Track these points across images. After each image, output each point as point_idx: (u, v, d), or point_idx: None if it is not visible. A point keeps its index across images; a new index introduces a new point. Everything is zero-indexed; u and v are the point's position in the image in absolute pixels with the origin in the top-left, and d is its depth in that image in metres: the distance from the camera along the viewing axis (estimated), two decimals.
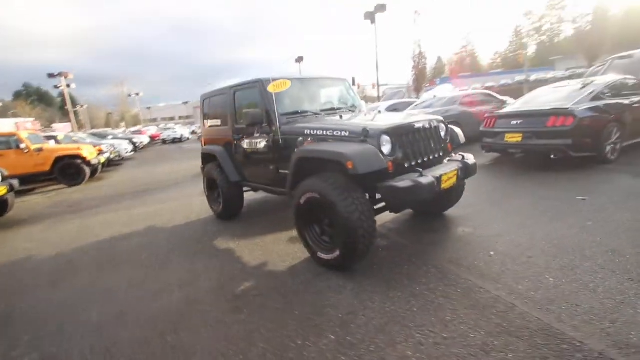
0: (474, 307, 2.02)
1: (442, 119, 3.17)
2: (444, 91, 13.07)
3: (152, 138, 27.68)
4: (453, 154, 3.19)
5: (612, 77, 5.58)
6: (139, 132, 27.22)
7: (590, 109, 4.76)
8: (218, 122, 4.42)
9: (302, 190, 2.71)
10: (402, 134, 2.69)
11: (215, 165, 4.38)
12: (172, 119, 70.54)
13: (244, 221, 4.39)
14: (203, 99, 4.73)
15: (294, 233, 3.25)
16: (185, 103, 70.73)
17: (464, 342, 1.75)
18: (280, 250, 3.29)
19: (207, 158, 4.65)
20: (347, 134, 2.70)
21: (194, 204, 5.62)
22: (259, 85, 3.49)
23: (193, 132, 32.38)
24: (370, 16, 16.90)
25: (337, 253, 2.55)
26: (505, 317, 1.90)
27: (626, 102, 5.10)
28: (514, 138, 5.27)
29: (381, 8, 16.31)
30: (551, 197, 3.82)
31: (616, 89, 5.22)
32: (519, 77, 26.57)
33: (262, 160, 3.64)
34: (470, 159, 3.10)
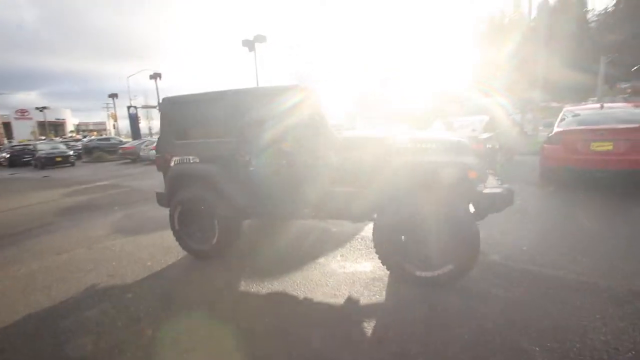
0: None
1: None
2: None
3: None
4: None
5: None
6: None
7: None
8: (207, 134, 3.57)
9: (407, 207, 2.64)
10: None
11: (204, 189, 3.48)
12: None
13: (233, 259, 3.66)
14: (170, 104, 3.71)
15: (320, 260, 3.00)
16: None
17: None
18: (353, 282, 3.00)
19: (180, 182, 3.62)
20: (440, 146, 2.83)
21: (115, 245, 4.24)
22: (305, 91, 3.16)
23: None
24: (249, 44, 17.15)
25: (450, 267, 2.59)
26: None
27: None
28: None
29: (260, 38, 16.90)
30: None
31: None
32: None
33: (297, 179, 3.19)
34: None
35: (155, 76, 23.08)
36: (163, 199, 3.86)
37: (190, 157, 3.59)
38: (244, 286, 3.02)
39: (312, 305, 2.62)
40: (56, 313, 2.71)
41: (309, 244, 3.97)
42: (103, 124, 56.66)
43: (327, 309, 2.56)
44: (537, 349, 1.96)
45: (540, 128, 12.42)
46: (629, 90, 31.38)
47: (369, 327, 2.29)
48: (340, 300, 2.64)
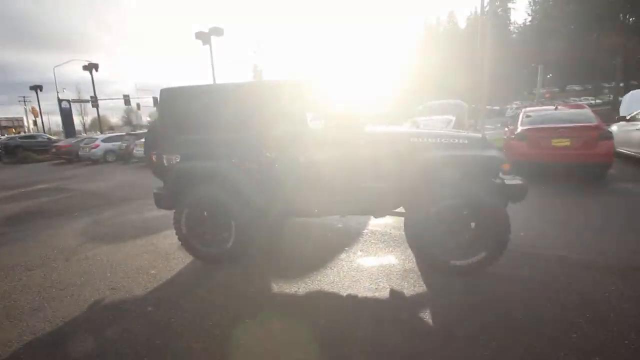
0: None
1: None
2: None
3: None
4: None
5: None
6: None
7: None
8: (220, 129, 3.31)
9: (445, 202, 2.74)
10: None
11: (219, 189, 3.23)
12: None
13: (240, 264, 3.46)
14: (173, 96, 3.37)
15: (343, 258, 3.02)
16: None
17: None
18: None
19: (189, 181, 3.32)
20: (466, 141, 2.97)
21: (98, 255, 3.78)
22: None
23: None
24: (203, 37, 16.12)
25: (483, 254, 2.75)
26: None
27: None
28: None
29: (217, 31, 15.97)
30: None
31: None
32: None
33: (320, 174, 3.12)
34: None
35: (91, 67, 20.61)
36: (164, 201, 3.49)
37: (200, 154, 3.30)
38: (276, 289, 2.87)
39: (361, 301, 2.59)
40: (66, 338, 2.30)
41: (320, 242, 3.91)
42: (19, 119, 49.15)
43: (377, 303, 2.55)
44: (581, 320, 2.18)
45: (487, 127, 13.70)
46: (547, 95, 36.15)
47: (426, 316, 2.34)
48: (385, 294, 2.65)
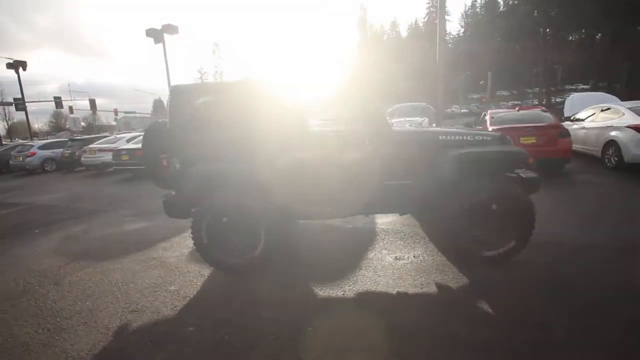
0: None
1: None
2: None
3: None
4: None
5: None
6: None
7: None
8: (242, 129, 3.10)
9: (474, 197, 2.86)
10: None
11: (246, 192, 3.02)
12: None
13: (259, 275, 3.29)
14: (187, 93, 3.12)
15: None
16: None
17: None
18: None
19: (209, 185, 3.06)
20: (488, 138, 3.15)
21: (93, 276, 3.37)
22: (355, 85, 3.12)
23: None
24: (156, 35, 14.94)
25: (512, 244, 2.94)
26: None
27: None
28: None
29: (171, 29, 14.87)
30: None
31: None
32: None
33: (350, 174, 3.09)
34: None
35: (17, 65, 17.97)
36: (177, 209, 3.17)
37: (222, 155, 3.06)
38: (320, 293, 2.74)
39: (414, 297, 2.60)
40: None
41: (337, 243, 3.86)
42: None
43: (430, 298, 2.58)
44: (610, 291, 2.43)
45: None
46: (483, 100, 39.92)
47: (483, 305, 2.42)
48: (432, 288, 2.69)
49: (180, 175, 3.13)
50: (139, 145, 10.03)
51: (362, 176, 3.11)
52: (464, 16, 57.52)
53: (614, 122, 6.60)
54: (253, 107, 3.02)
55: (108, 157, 10.55)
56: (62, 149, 12.60)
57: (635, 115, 6.19)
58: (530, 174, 3.17)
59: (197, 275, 3.16)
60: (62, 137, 16.99)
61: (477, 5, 56.01)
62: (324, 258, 3.49)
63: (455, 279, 2.82)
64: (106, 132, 37.39)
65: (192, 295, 2.81)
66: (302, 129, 3.10)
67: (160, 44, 14.72)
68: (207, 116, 3.11)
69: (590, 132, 7.33)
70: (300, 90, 3.27)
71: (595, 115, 7.45)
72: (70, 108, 31.52)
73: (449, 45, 61.39)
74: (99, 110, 32.81)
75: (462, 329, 2.16)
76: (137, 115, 42.45)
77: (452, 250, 3.08)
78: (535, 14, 33.76)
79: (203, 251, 3.11)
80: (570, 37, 39.55)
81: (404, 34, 65.28)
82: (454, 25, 70.88)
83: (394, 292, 2.69)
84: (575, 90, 41.25)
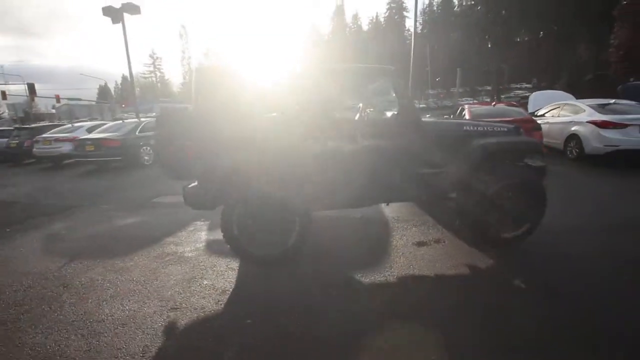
0: None
1: None
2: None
3: None
4: None
5: None
6: None
7: None
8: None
9: (499, 183, 3.07)
10: None
11: (282, 181, 2.95)
12: None
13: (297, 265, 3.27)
14: (219, 76, 2.97)
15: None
16: None
17: None
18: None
19: (241, 174, 2.93)
20: (505, 129, 3.37)
21: (105, 276, 3.16)
22: (392, 73, 3.16)
23: None
24: (113, 13, 13.55)
25: (527, 226, 3.21)
26: None
27: None
28: None
29: (132, 9, 13.53)
30: None
31: None
32: None
33: (389, 163, 3.17)
34: None
35: None
36: (203, 199, 3.01)
37: (253, 143, 2.94)
38: (365, 280, 2.79)
39: (453, 280, 2.74)
40: None
41: (354, 233, 3.90)
42: None
43: (468, 280, 2.75)
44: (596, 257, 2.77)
45: None
46: (441, 95, 42.05)
47: (522, 283, 2.63)
48: (465, 270, 2.86)
49: (207, 163, 2.97)
50: (107, 135, 9.25)
51: (397, 165, 3.18)
52: (422, 14, 59.66)
53: (576, 117, 7.36)
54: (292, 92, 2.94)
55: (67, 147, 9.55)
56: (7, 139, 11.13)
57: (594, 112, 6.96)
58: (539, 163, 3.47)
59: (226, 269, 3.04)
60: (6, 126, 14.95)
61: (434, 4, 58.40)
62: (347, 247, 3.52)
63: (483, 260, 3.02)
64: (45, 120, 33.63)
65: (230, 289, 2.70)
66: (337, 117, 3.09)
67: (122, 24, 13.40)
68: (239, 101, 2.97)
69: (553, 126, 8.09)
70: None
71: (557, 111, 8.24)
72: (3, 93, 27.78)
73: (407, 41, 63.45)
74: (38, 97, 29.28)
75: (507, 300, 2.35)
76: (84, 102, 38.54)
77: (475, 233, 3.28)
78: (488, 15, 36.08)
79: (233, 243, 2.99)
80: (518, 39, 42.91)
81: (365, 27, 66.15)
82: (413, 22, 73.30)
83: (432, 274, 2.82)
84: (520, 89, 45.03)
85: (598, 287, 2.52)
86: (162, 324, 2.27)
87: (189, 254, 3.39)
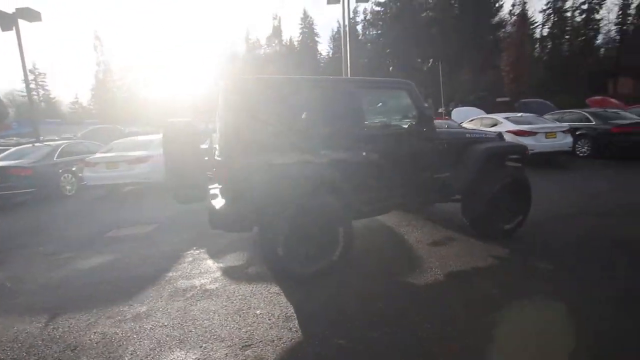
0: None
1: None
2: None
3: None
4: None
5: None
6: None
7: None
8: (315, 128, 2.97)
9: (498, 182, 3.54)
10: None
11: (324, 193, 2.87)
12: None
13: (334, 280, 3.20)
14: (261, 87, 2.80)
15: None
16: None
17: None
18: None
19: (285, 190, 2.75)
20: (494, 135, 3.91)
21: (138, 316, 2.74)
22: (410, 87, 3.40)
23: None
24: (5, 19, 10.90)
25: (521, 217, 3.75)
26: None
27: None
28: None
29: (31, 14, 11.05)
30: None
31: None
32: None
33: (414, 170, 3.38)
34: None
35: None
36: (240, 220, 2.71)
37: (296, 157, 2.80)
38: (416, 282, 2.86)
39: (487, 269, 3.03)
40: None
41: (366, 241, 3.96)
42: None
43: (498, 267, 3.06)
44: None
45: None
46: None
47: (540, 262, 3.04)
48: (490, 260, 3.18)
49: (241, 181, 2.70)
50: (13, 162, 7.42)
51: (422, 171, 3.41)
52: (332, 39, 64.30)
53: (496, 128, 8.85)
54: (332, 104, 2.91)
55: None
56: None
57: (510, 123, 8.49)
58: (517, 164, 4.09)
59: (269, 294, 2.76)
60: None
61: (341, 31, 63.65)
62: (370, 254, 3.55)
63: (496, 250, 3.39)
64: None
65: (291, 313, 2.47)
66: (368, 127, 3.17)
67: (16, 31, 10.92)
68: (273, 115, 2.80)
69: None
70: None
71: (478, 123, 9.77)
72: None
73: (321, 64, 67.30)
74: None
75: (540, 282, 2.72)
76: None
77: (481, 228, 3.67)
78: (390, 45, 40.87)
79: (277, 265, 2.76)
80: (415, 66, 49.54)
81: (280, 48, 67.97)
82: (324, 47, 77.94)
83: (468, 267, 3.06)
84: None
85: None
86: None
87: (212, 286, 2.98)
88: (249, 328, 2.32)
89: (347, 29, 12.67)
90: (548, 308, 2.39)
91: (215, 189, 3.39)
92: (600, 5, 34.11)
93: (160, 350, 2.15)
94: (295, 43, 67.94)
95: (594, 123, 8.59)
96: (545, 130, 7.82)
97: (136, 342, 2.25)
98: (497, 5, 31.37)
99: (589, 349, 1.95)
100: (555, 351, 1.95)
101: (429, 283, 2.84)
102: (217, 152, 2.86)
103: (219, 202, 3.14)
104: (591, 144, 8.48)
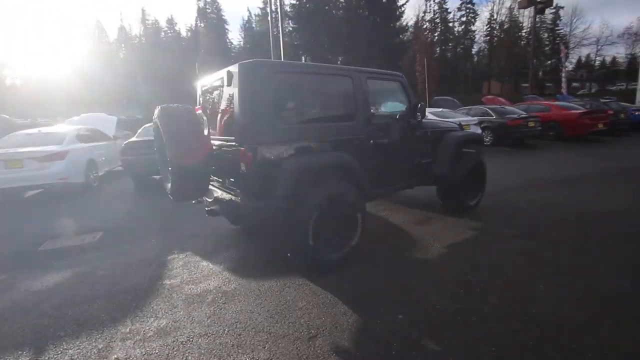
0: None
1: None
2: None
3: None
4: None
5: None
6: None
7: None
8: (319, 116, 2.96)
9: (467, 165, 4.13)
10: None
11: (343, 181, 2.92)
12: None
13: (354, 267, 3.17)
14: (275, 73, 2.64)
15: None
16: None
17: None
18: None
19: (310, 179, 2.71)
20: (457, 126, 4.49)
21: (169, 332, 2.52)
22: (403, 79, 3.68)
23: None
24: None
25: (480, 194, 4.44)
26: None
27: None
28: None
29: None
30: None
31: None
32: None
33: (408, 155, 3.70)
34: None
35: None
36: (273, 212, 2.56)
37: (313, 145, 2.76)
38: (443, 258, 3.16)
39: (486, 244, 3.52)
40: None
41: (379, 231, 4.10)
42: None
43: (495, 238, 3.59)
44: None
45: None
46: None
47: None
48: (485, 233, 3.71)
49: (267, 173, 2.56)
50: None
51: (413, 157, 3.74)
52: (242, 28, 61.76)
53: None
54: (352, 93, 2.93)
55: None
56: None
57: (436, 117, 9.68)
58: (471, 150, 4.78)
59: (301, 284, 2.70)
60: None
61: (252, 20, 61.58)
62: (370, 236, 3.75)
63: (483, 223, 3.96)
64: None
65: (335, 299, 2.48)
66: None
67: None
68: (295, 101, 2.70)
69: None
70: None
71: None
72: None
73: (232, 54, 64.24)
74: None
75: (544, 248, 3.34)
76: None
77: (454, 204, 4.22)
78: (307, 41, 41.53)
79: (307, 254, 2.71)
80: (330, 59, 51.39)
81: (183, 33, 62.24)
82: (235, 35, 74.24)
83: (460, 239, 3.52)
84: None
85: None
86: (333, 352, 1.93)
87: (229, 287, 2.75)
88: (302, 320, 2.26)
89: (279, 15, 12.41)
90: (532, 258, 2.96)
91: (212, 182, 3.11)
92: (474, 18, 41.11)
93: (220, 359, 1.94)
94: (201, 29, 63.17)
95: (494, 117, 10.45)
96: (464, 122, 9.19)
97: (183, 358, 1.97)
98: (398, 13, 34.59)
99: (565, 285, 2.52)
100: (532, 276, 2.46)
101: (442, 254, 3.20)
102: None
103: (226, 196, 2.91)
104: (493, 135, 10.30)
